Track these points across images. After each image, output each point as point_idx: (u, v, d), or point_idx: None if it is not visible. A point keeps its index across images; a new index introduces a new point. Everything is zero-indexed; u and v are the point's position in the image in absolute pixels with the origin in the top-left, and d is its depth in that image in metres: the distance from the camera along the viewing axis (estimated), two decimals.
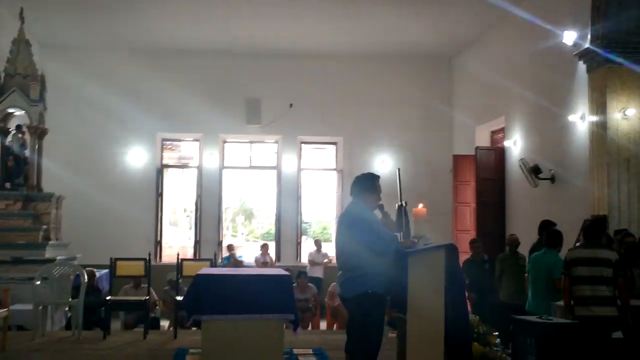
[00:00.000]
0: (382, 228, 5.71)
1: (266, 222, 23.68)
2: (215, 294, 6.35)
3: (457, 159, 14.92)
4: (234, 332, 6.26)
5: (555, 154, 11.60)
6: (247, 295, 6.38)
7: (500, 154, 13.78)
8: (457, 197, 14.85)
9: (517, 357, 5.81)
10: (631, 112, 9.94)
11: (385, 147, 16.58)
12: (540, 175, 11.77)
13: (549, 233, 8.59)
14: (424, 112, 16.64)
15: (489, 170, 13.80)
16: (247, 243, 22.71)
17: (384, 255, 5.63)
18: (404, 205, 8.87)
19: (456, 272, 5.58)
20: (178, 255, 10.23)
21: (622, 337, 6.68)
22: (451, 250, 5.64)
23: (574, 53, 10.60)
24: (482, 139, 15.11)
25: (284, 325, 6.58)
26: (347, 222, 5.83)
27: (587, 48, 10.30)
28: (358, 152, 16.57)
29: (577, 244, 7.62)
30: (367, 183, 5.96)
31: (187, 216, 20.60)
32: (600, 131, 10.15)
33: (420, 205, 6.12)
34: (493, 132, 15.09)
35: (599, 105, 10.20)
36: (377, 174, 6.21)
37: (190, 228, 18.43)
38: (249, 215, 25.40)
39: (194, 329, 9.75)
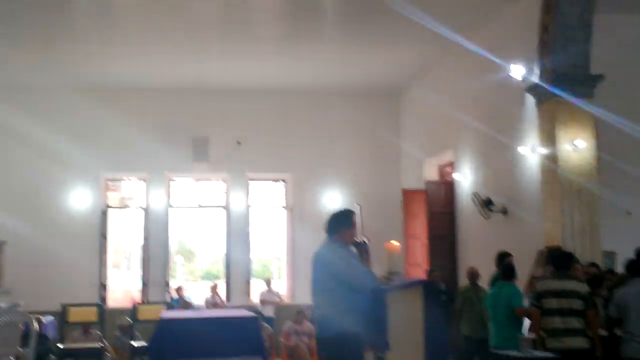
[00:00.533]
0: (359, 264, 5.62)
1: (206, 262, 23.35)
2: (181, 338, 6.13)
3: (407, 193, 14.98)
4: None
5: (506, 186, 11.74)
6: (213, 338, 6.20)
7: (450, 187, 13.91)
8: (407, 231, 14.87)
9: None
10: (581, 144, 10.14)
11: (334, 183, 16.54)
12: (492, 208, 11.89)
13: (504, 267, 8.69)
14: (373, 146, 16.69)
15: (439, 203, 13.90)
16: (188, 284, 22.28)
17: (362, 293, 5.53)
18: (365, 242, 8.82)
19: (434, 308, 5.51)
20: (133, 299, 9.90)
21: None
22: (429, 286, 5.58)
23: (523, 87, 10.82)
24: (431, 173, 15.24)
25: None
26: (323, 259, 5.70)
27: (536, 83, 10.53)
28: (307, 187, 16.50)
29: (543, 276, 7.65)
30: (343, 219, 5.87)
31: (126, 258, 20.16)
32: (551, 163, 10.32)
33: (394, 241, 6.05)
34: (441, 166, 15.24)
35: (549, 138, 10.38)
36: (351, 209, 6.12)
37: (129, 269, 17.98)
38: (188, 256, 25.02)
39: None
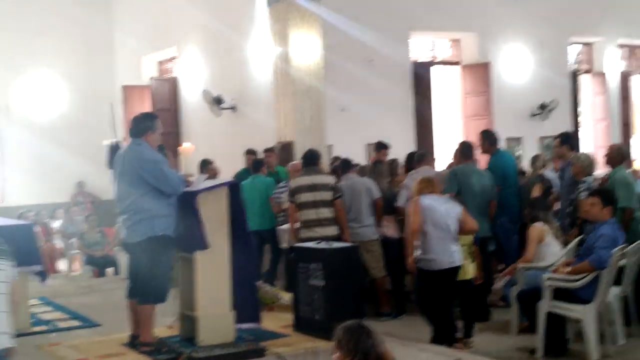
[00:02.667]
0: (169, 169, 5.49)
1: None
2: None
3: (128, 89, 14.50)
4: None
5: (236, 84, 11.98)
6: None
7: (174, 84, 13.77)
8: (129, 129, 14.48)
9: (298, 284, 6.11)
10: (310, 44, 10.67)
11: (46, 78, 15.29)
12: (222, 106, 12.09)
13: (254, 162, 9.08)
14: (86, 40, 15.59)
15: (164, 101, 13.74)
16: None
17: (172, 196, 5.44)
18: (114, 142, 8.60)
19: (240, 209, 5.64)
20: None
21: None
22: (234, 187, 5.66)
23: None
24: (150, 69, 14.90)
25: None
26: (130, 163, 5.45)
27: None
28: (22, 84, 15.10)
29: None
30: (148, 122, 5.63)
31: None
32: (282, 63, 10.73)
33: (189, 144, 5.97)
34: (162, 62, 14.96)
35: (281, 38, 10.75)
36: None
37: None
38: None
39: None
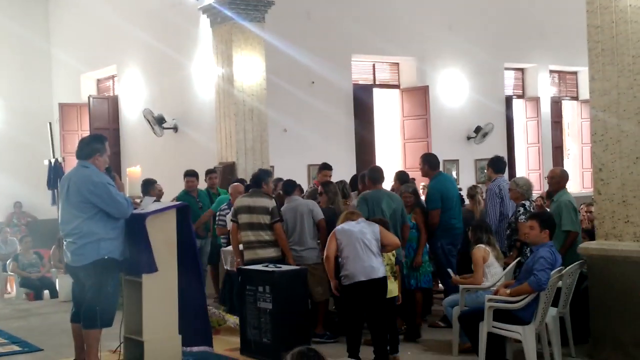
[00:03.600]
0: (117, 191, 5.42)
1: None
2: None
3: (65, 108, 14.28)
4: None
5: (178, 103, 11.95)
6: None
7: (115, 102, 13.63)
8: (65, 147, 14.21)
9: (246, 307, 6.11)
10: (253, 66, 10.76)
11: None
12: (164, 125, 12.02)
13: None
14: (19, 55, 15.25)
15: (103, 119, 13.57)
16: None
17: (120, 219, 5.40)
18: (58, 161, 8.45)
19: (188, 232, 5.63)
20: None
21: None
22: (183, 210, 5.64)
23: (198, 7, 11.00)
24: (88, 87, 14.71)
25: None
26: (76, 185, 5.36)
27: (210, 4, 10.77)
28: None
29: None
30: (97, 145, 5.55)
31: None
32: (225, 84, 10.78)
33: (137, 167, 5.92)
34: (100, 80, 14.79)
35: (225, 59, 10.81)
36: None
37: None
38: None
39: None
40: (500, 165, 8.23)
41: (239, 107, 10.73)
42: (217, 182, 10.03)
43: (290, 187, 7.88)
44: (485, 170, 8.16)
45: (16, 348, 6.81)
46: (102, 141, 5.66)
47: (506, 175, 10.27)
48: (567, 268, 6.20)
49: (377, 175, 7.55)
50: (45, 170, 10.83)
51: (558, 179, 7.25)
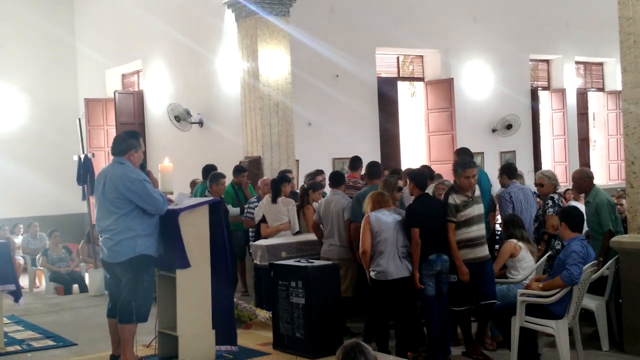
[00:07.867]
0: (153, 187, 5.45)
1: None
2: None
3: (90, 103, 14.39)
4: None
5: (203, 98, 11.98)
6: None
7: (140, 97, 13.70)
8: (92, 143, 14.33)
9: (278, 301, 6.14)
10: (278, 60, 10.76)
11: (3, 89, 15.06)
12: (189, 120, 12.06)
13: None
14: (48, 52, 15.36)
15: (129, 115, 13.65)
16: None
17: (155, 215, 5.44)
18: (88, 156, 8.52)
19: (220, 228, 5.66)
20: None
21: None
22: (215, 206, 5.68)
23: (223, 2, 11.02)
24: (114, 82, 14.80)
25: None
26: (113, 182, 5.40)
27: None
28: None
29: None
30: (132, 141, 5.56)
31: None
32: (251, 78, 10.80)
33: (167, 161, 5.96)
34: (125, 75, 14.87)
35: (250, 53, 10.82)
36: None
37: None
38: None
39: None
40: (513, 171, 8.20)
41: (264, 102, 10.74)
42: (246, 180, 9.95)
43: (339, 179, 7.66)
44: (498, 178, 8.16)
45: (50, 342, 6.87)
46: (137, 137, 5.67)
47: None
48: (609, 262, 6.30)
49: (374, 169, 7.57)
50: (72, 165, 10.91)
51: (582, 181, 7.07)
